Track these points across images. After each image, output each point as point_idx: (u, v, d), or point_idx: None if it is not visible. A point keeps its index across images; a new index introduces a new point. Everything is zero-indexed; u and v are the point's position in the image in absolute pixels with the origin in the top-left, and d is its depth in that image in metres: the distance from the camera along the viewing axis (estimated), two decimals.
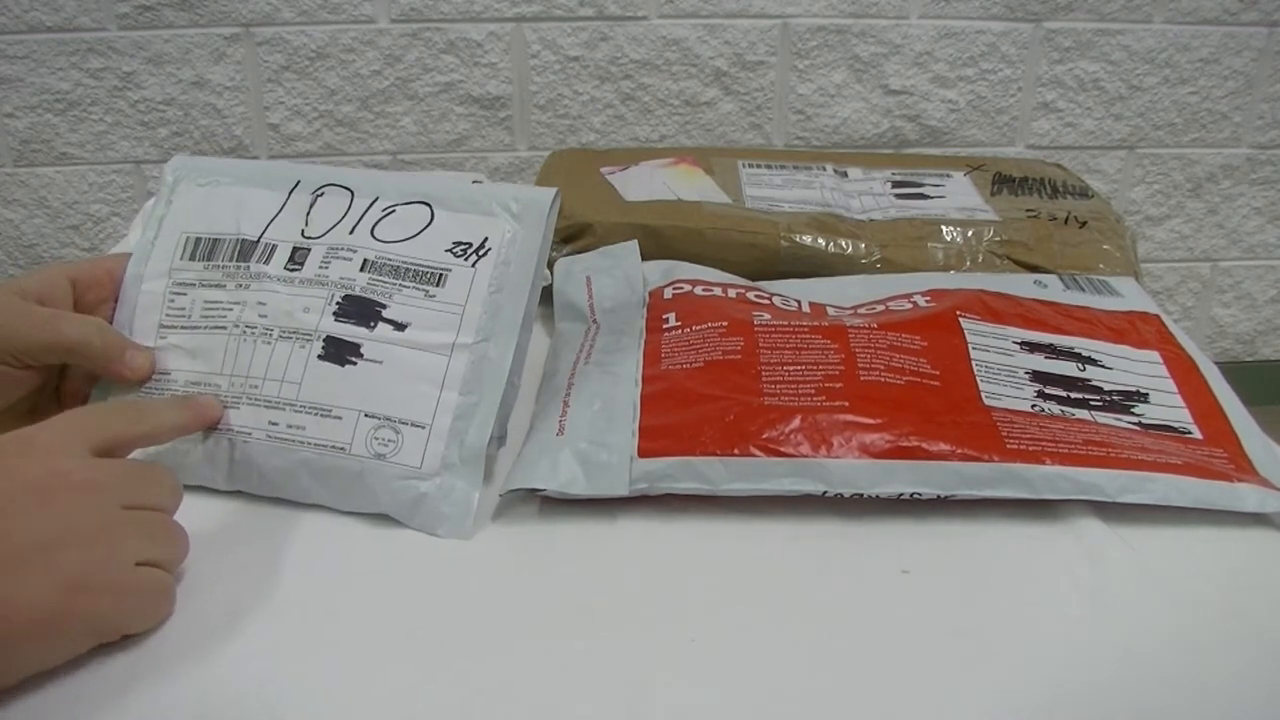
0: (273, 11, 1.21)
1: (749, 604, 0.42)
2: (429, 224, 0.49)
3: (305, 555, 0.44)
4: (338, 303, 0.48)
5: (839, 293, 0.60)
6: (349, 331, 0.48)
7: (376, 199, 0.50)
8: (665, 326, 0.55)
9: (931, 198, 0.75)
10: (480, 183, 0.50)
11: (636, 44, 1.26)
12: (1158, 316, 0.58)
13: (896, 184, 0.77)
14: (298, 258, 0.49)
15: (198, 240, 0.50)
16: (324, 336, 0.48)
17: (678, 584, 0.43)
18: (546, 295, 0.65)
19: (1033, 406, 0.49)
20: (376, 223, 0.50)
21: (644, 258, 0.63)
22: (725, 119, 1.31)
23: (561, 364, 0.54)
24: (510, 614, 0.41)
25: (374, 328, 0.47)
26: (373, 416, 0.46)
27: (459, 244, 0.49)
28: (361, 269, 0.49)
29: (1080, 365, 0.53)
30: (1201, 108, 1.36)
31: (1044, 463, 0.46)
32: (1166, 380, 0.53)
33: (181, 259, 0.50)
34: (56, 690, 0.36)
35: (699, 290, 0.58)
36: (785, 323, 0.54)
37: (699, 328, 0.54)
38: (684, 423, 0.47)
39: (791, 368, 0.50)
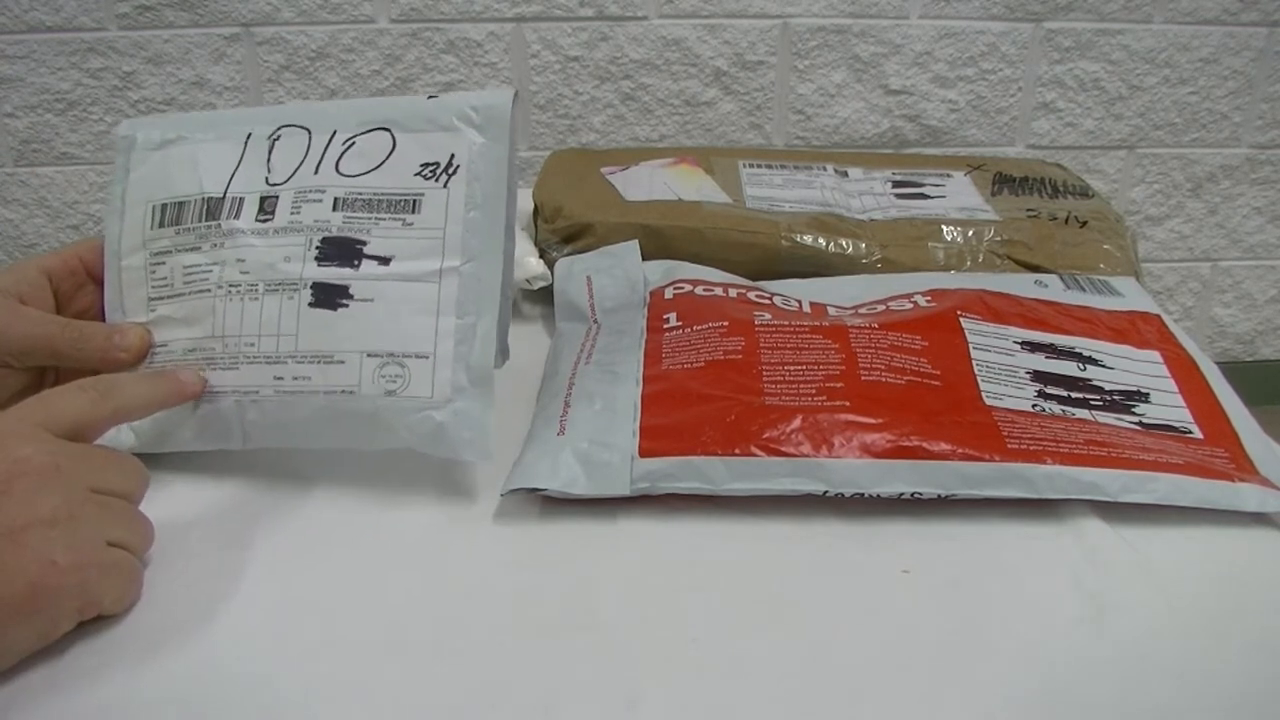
0: (273, 11, 1.21)
1: (750, 604, 0.42)
2: (392, 150, 0.48)
3: (302, 551, 0.44)
4: (317, 247, 0.47)
5: (839, 293, 0.60)
6: (334, 274, 0.47)
7: (335, 133, 0.49)
8: (666, 326, 0.55)
9: (932, 198, 0.75)
10: (436, 97, 0.49)
11: (636, 44, 1.26)
12: (1158, 316, 0.58)
13: (897, 184, 0.77)
14: (267, 207, 0.48)
15: (163, 206, 0.49)
16: (310, 283, 0.47)
17: (678, 584, 0.43)
18: (547, 295, 0.65)
19: (1033, 406, 0.49)
20: (339, 158, 0.48)
21: (644, 258, 0.63)
22: (725, 119, 1.31)
23: (562, 364, 0.54)
24: (510, 614, 0.41)
25: (358, 266, 0.47)
26: (375, 355, 0.46)
27: (426, 165, 0.48)
28: (334, 208, 0.48)
29: (1081, 365, 0.53)
30: (1201, 108, 1.37)
31: (1045, 462, 0.46)
32: (1167, 380, 0.53)
33: (152, 228, 0.49)
34: (50, 685, 0.36)
35: (700, 290, 0.58)
36: (786, 322, 0.54)
37: (700, 327, 0.54)
38: (685, 422, 0.47)
39: (792, 367, 0.50)
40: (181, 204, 0.49)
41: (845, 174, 0.79)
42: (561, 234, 0.68)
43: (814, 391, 0.48)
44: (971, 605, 0.41)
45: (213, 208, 0.49)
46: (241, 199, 0.49)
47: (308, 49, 1.23)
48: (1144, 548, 0.45)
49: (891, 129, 1.34)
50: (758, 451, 0.46)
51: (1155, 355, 0.54)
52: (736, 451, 0.46)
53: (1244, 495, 0.46)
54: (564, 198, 0.70)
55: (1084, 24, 1.30)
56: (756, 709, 0.36)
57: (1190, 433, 0.49)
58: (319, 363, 0.47)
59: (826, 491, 0.45)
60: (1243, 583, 0.43)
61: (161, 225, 0.49)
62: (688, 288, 0.59)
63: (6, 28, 1.19)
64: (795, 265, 0.65)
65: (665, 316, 0.56)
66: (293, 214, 0.48)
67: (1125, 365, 0.53)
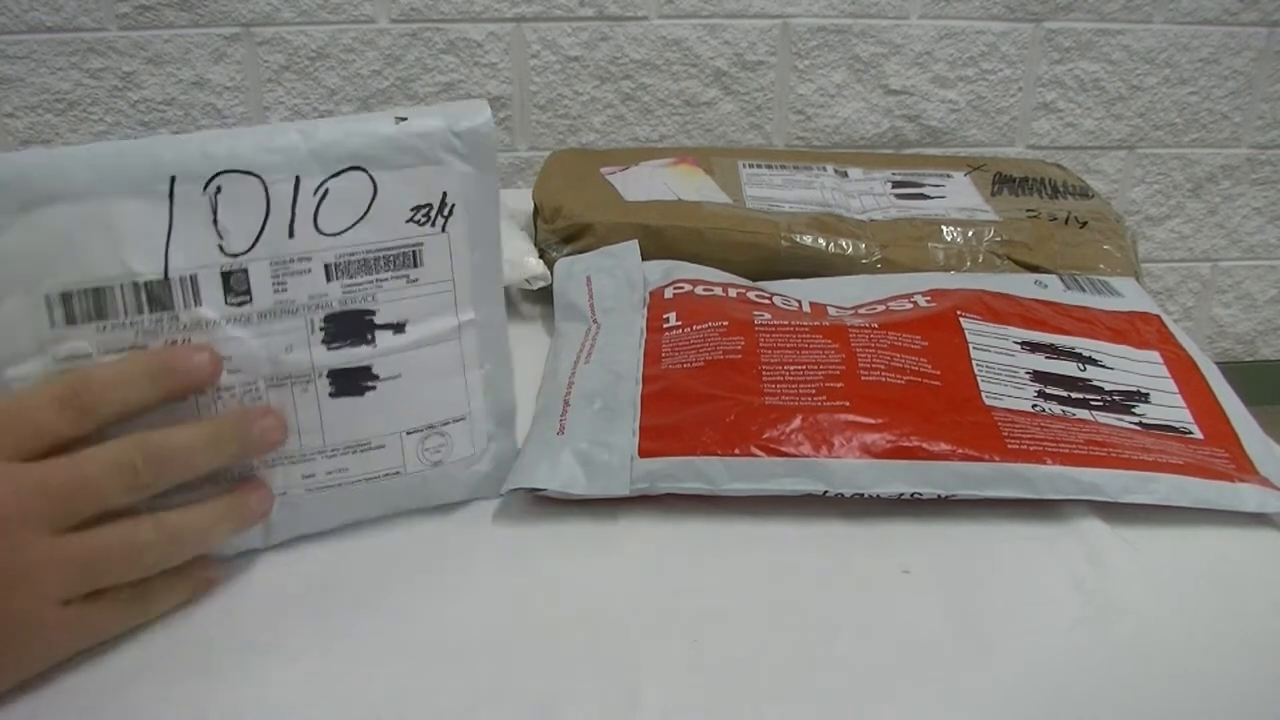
0: (273, 11, 1.21)
1: (750, 604, 0.42)
2: (374, 194, 0.40)
3: (301, 551, 0.44)
4: (321, 328, 0.41)
5: (839, 293, 0.60)
6: (350, 357, 0.41)
7: (298, 179, 0.39)
8: (666, 326, 0.55)
9: (932, 198, 0.75)
10: (405, 120, 0.41)
11: (636, 44, 1.26)
12: (1158, 316, 0.58)
13: (897, 184, 0.77)
14: (236, 285, 0.39)
15: (66, 297, 0.37)
16: (326, 371, 0.41)
17: (678, 584, 0.43)
18: (546, 295, 0.65)
19: (1033, 406, 0.49)
20: (315, 212, 0.40)
21: (644, 258, 0.63)
22: (725, 119, 1.31)
23: (561, 364, 0.54)
24: (510, 614, 0.41)
25: (374, 341, 0.42)
26: (416, 431, 0.44)
27: (418, 209, 0.41)
28: (328, 278, 0.40)
29: (1081, 365, 0.53)
30: (1201, 108, 1.37)
31: (1045, 463, 0.46)
32: (1167, 380, 0.53)
33: (54, 327, 0.37)
34: (50, 685, 0.36)
35: (699, 290, 0.58)
36: (786, 322, 0.54)
37: (699, 327, 0.54)
38: (685, 422, 0.47)
39: (792, 367, 0.50)
40: (100, 291, 0.37)
41: (845, 174, 0.79)
42: (561, 234, 0.68)
43: (814, 391, 0.48)
44: (971, 605, 0.41)
45: (156, 294, 0.38)
46: (194, 277, 0.38)
47: (308, 49, 1.23)
48: (1144, 548, 0.45)
49: (891, 129, 1.34)
50: (758, 451, 0.46)
51: (1155, 355, 0.54)
52: (736, 451, 0.46)
53: (1244, 496, 0.46)
54: (564, 198, 0.70)
55: (1084, 24, 1.30)
56: (756, 709, 0.36)
57: (1190, 433, 0.49)
58: (356, 452, 0.43)
59: (826, 491, 0.45)
60: (1243, 583, 0.43)
61: (72, 322, 0.37)
62: (687, 288, 0.59)
63: (6, 28, 1.19)
64: (795, 265, 0.65)
65: (665, 316, 0.56)
66: (277, 292, 0.40)
67: (1125, 365, 0.53)
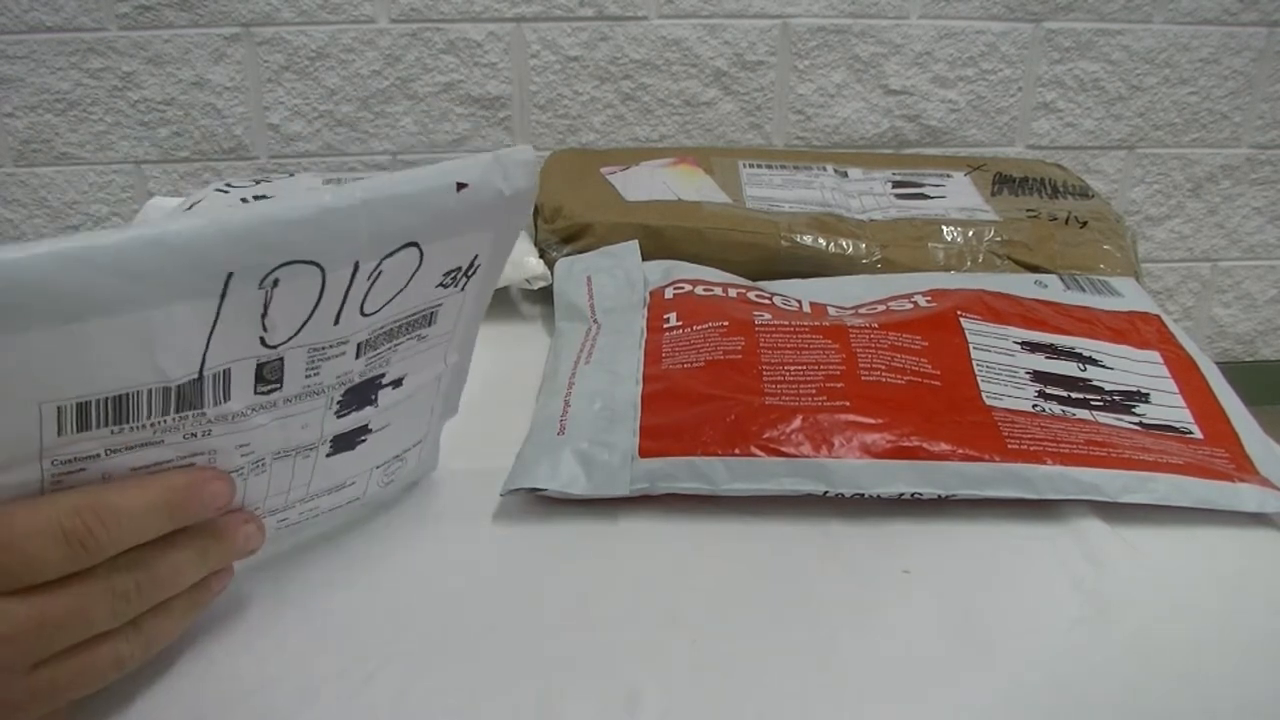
0: (273, 11, 1.21)
1: (749, 604, 0.42)
2: (418, 267, 0.37)
3: (301, 551, 0.44)
4: (338, 402, 0.39)
5: (840, 293, 0.60)
6: (354, 420, 0.40)
7: (356, 265, 0.35)
8: (666, 326, 0.55)
9: (932, 198, 0.75)
10: (465, 186, 0.37)
11: (636, 44, 1.26)
12: (1158, 316, 0.58)
13: (897, 184, 0.77)
14: (269, 374, 0.35)
15: (81, 407, 0.31)
16: (330, 438, 0.40)
17: (678, 584, 0.43)
18: (546, 295, 0.65)
19: (1034, 406, 0.49)
20: (365, 296, 0.36)
21: (644, 258, 0.63)
22: (725, 119, 1.31)
23: (562, 364, 0.54)
24: (510, 614, 0.41)
25: (376, 400, 0.40)
26: (382, 464, 0.44)
27: (449, 273, 0.39)
28: (357, 355, 0.38)
29: (1081, 365, 0.53)
30: (1201, 108, 1.36)
31: (1045, 463, 0.46)
32: (1167, 380, 0.53)
33: (60, 434, 0.31)
34: None
35: (700, 290, 0.58)
36: (786, 322, 0.54)
37: (700, 327, 0.54)
38: (685, 422, 0.47)
39: (792, 367, 0.50)
40: (122, 398, 0.32)
41: (845, 174, 0.79)
42: (561, 234, 0.68)
43: (814, 391, 0.48)
44: (971, 605, 0.41)
45: (186, 396, 0.33)
46: (226, 371, 0.34)
47: (308, 49, 1.23)
48: (1144, 548, 0.45)
49: (891, 129, 1.34)
50: (758, 451, 0.46)
51: (1155, 355, 0.54)
52: (736, 451, 0.46)
53: (1244, 495, 0.46)
54: (564, 198, 0.70)
55: (1084, 24, 1.30)
56: (756, 709, 0.36)
57: (1190, 433, 0.49)
58: (330, 493, 0.42)
59: (826, 492, 0.45)
60: (1243, 583, 0.43)
61: (84, 429, 0.32)
62: (687, 288, 0.59)
63: (6, 28, 1.19)
64: (795, 265, 0.65)
65: (665, 316, 0.56)
66: (309, 376, 0.37)
67: (1125, 365, 0.53)
